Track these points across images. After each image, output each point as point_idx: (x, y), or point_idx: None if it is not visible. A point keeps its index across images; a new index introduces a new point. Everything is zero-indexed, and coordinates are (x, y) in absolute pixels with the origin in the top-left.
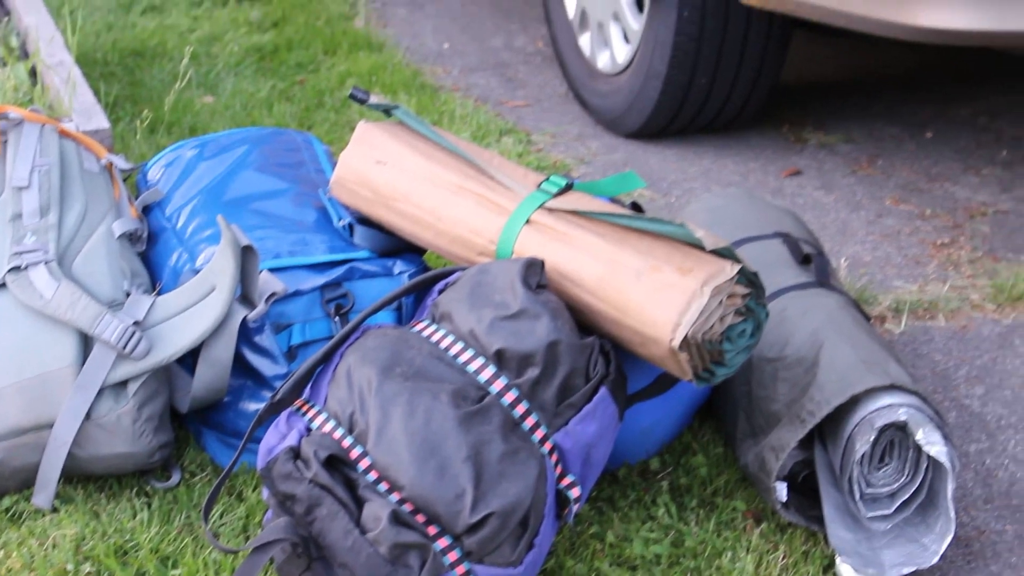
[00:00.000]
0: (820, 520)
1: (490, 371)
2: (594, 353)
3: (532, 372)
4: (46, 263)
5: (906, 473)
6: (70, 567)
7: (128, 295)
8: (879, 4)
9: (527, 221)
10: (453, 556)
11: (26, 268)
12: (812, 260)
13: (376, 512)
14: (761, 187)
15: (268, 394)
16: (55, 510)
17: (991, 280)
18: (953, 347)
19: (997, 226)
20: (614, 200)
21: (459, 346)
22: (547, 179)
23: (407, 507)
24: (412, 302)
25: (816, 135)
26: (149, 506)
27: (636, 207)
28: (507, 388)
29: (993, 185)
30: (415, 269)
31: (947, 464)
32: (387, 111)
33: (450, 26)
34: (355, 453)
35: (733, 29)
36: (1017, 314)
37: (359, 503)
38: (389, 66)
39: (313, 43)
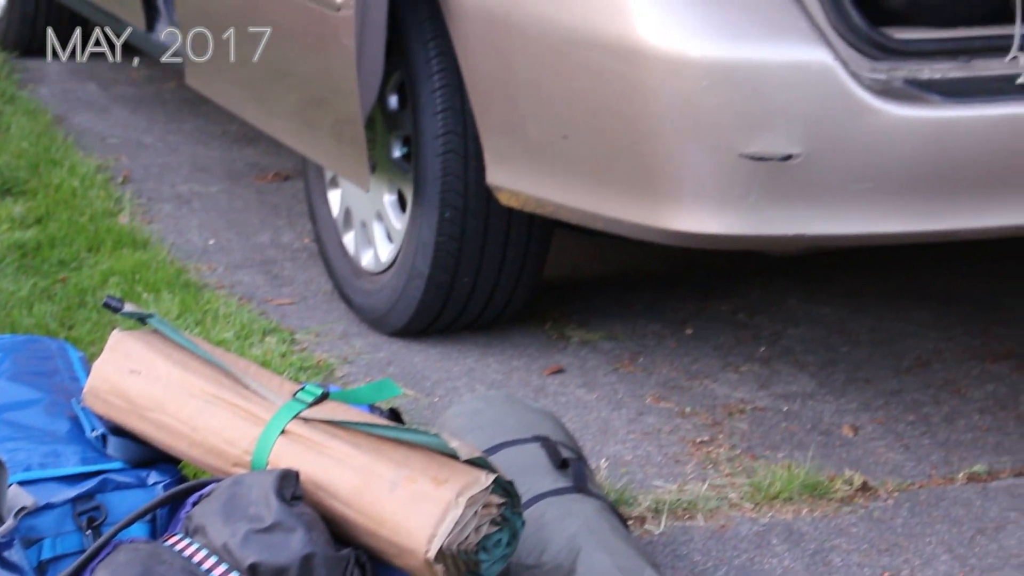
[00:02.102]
0: None
1: None
2: (350, 565)
3: None
4: None
5: None
6: None
7: None
8: (633, 208)
9: (282, 431)
10: None
11: None
12: (570, 465)
13: None
14: (524, 385)
15: None
16: None
17: (749, 479)
18: (712, 547)
19: (755, 423)
20: (372, 408)
21: (212, 560)
22: (303, 388)
23: None
24: (166, 514)
25: (579, 332)
26: None
27: (395, 414)
28: None
29: (751, 382)
30: (170, 480)
31: None
32: (142, 319)
33: (217, 221)
34: None
35: (495, 229)
36: (774, 513)
37: None
38: (153, 264)
39: (77, 240)
